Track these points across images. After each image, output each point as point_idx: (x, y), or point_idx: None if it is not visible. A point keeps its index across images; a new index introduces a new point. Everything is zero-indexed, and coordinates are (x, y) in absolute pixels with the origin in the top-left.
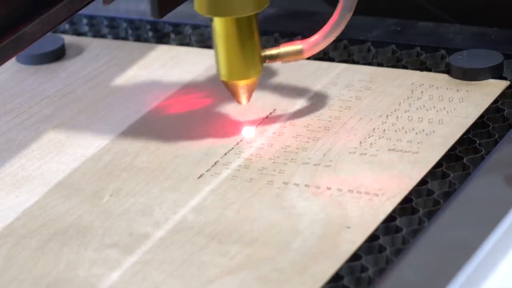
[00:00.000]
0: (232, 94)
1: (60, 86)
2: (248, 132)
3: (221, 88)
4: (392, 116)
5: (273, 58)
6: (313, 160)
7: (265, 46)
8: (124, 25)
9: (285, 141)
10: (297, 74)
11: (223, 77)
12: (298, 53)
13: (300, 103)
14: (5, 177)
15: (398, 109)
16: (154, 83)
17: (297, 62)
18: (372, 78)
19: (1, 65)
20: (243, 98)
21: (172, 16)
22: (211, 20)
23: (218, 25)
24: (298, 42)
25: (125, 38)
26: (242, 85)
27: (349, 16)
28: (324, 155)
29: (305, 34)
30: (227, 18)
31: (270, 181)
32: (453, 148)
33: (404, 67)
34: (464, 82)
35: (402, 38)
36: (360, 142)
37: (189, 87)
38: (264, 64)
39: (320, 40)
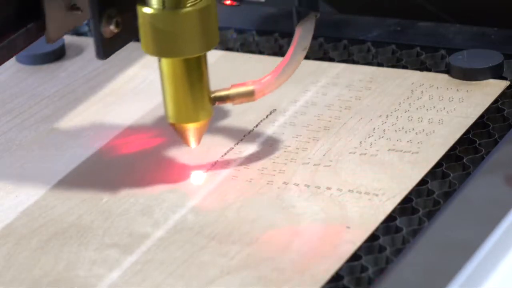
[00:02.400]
0: (180, 137)
1: (60, 86)
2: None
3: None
4: (392, 116)
5: (223, 99)
6: (313, 160)
7: (260, 51)
8: None
9: (285, 141)
10: (297, 74)
11: (171, 119)
12: (249, 95)
13: (300, 103)
14: (5, 177)
15: (398, 109)
16: (154, 83)
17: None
18: (372, 78)
19: (1, 65)
20: (192, 141)
21: None
22: (158, 60)
23: (166, 65)
24: (250, 82)
25: None
26: (191, 128)
27: (302, 56)
28: (324, 155)
29: None
30: (174, 59)
31: (270, 181)
32: (453, 148)
33: (404, 67)
34: (464, 82)
35: (402, 38)
36: (360, 142)
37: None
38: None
39: (272, 81)
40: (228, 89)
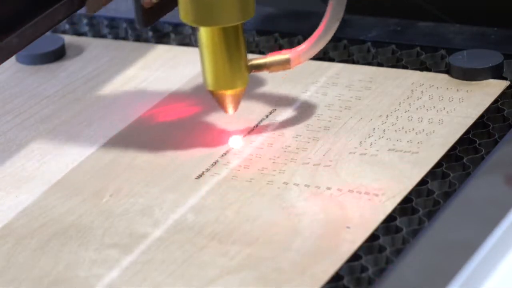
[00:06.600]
0: (218, 104)
1: (60, 86)
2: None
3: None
4: (392, 116)
5: (259, 67)
6: (313, 160)
7: (260, 51)
8: (124, 25)
9: (285, 141)
10: (297, 74)
11: (210, 87)
12: (285, 63)
13: (300, 103)
14: (5, 177)
15: (398, 109)
16: (154, 83)
17: None
18: (372, 78)
19: (1, 64)
20: (230, 108)
21: (172, 16)
22: (197, 29)
23: (204, 34)
24: (285, 51)
25: (125, 38)
26: (228, 95)
27: (336, 24)
28: (324, 155)
29: (305, 34)
30: (213, 28)
31: (270, 181)
32: (453, 148)
33: (404, 67)
34: (464, 82)
35: (402, 38)
36: (360, 142)
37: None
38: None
39: (307, 49)
40: (265, 57)
